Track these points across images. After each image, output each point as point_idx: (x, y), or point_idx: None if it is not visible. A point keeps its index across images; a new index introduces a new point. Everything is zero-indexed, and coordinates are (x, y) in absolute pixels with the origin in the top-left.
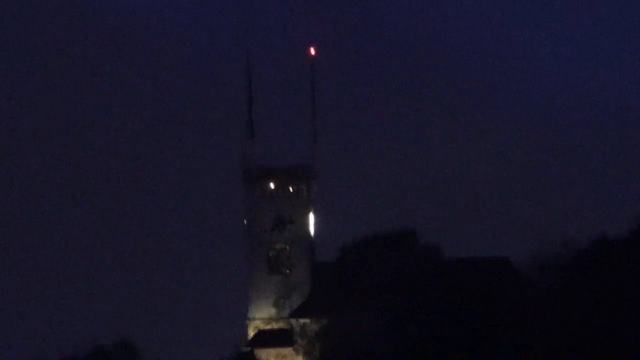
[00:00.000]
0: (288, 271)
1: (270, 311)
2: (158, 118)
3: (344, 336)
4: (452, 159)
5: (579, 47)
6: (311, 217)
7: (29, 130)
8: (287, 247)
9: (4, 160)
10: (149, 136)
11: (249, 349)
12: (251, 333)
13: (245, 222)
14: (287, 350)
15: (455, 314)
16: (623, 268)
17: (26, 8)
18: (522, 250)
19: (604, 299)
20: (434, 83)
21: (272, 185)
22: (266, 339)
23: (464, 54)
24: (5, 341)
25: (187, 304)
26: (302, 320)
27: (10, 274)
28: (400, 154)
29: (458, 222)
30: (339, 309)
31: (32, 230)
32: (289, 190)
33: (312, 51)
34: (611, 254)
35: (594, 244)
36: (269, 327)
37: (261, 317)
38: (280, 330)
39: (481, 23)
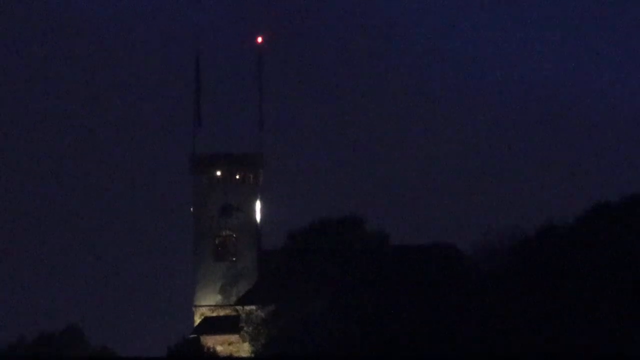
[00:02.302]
0: (234, 258)
1: (217, 298)
2: (107, 104)
3: (290, 323)
4: (400, 146)
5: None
6: (258, 205)
7: None
8: (234, 235)
9: None
10: (98, 122)
11: (195, 335)
12: (197, 320)
13: (192, 209)
14: (233, 337)
15: (402, 300)
16: (568, 254)
17: (15, 11)
18: (469, 237)
19: (549, 284)
20: (382, 70)
21: (219, 173)
22: (212, 326)
23: (414, 39)
24: None
25: (134, 292)
26: (248, 307)
27: None
28: (347, 142)
29: (405, 209)
30: (286, 296)
31: None
32: (235, 177)
33: (259, 39)
34: (557, 240)
35: (539, 230)
36: (215, 314)
37: (207, 304)
38: (227, 317)
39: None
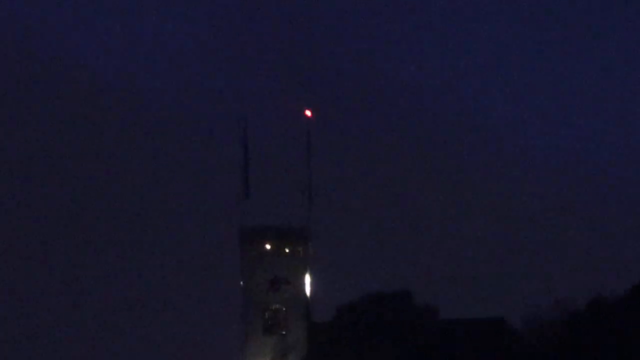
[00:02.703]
0: (284, 332)
1: None
2: (154, 179)
3: None
4: (449, 221)
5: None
6: (307, 278)
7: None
8: (283, 308)
9: None
10: (145, 195)
11: None
12: None
13: (241, 283)
14: None
15: None
16: (618, 328)
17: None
18: (517, 310)
19: (601, 358)
20: (433, 142)
21: (268, 246)
22: None
23: (470, 112)
24: None
25: None
26: None
27: None
28: (396, 214)
29: (454, 283)
30: None
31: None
32: (285, 250)
33: (308, 113)
34: (606, 314)
35: (589, 304)
36: None
37: None
38: None
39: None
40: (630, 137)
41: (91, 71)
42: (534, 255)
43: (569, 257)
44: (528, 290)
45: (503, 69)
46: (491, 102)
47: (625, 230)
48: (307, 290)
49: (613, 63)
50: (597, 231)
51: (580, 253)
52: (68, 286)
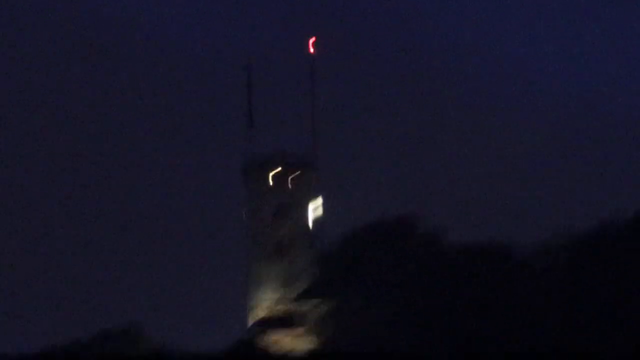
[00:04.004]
0: (290, 258)
1: (274, 297)
2: (156, 109)
3: (347, 321)
4: (457, 148)
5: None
6: (313, 205)
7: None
8: (289, 236)
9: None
10: (148, 125)
11: (254, 333)
12: (255, 318)
13: (246, 210)
14: (290, 334)
15: (459, 299)
16: (626, 253)
17: (22, 9)
18: (526, 236)
19: (610, 283)
20: (443, 73)
21: (273, 174)
22: (270, 323)
23: (470, 50)
24: (9, 330)
25: (191, 292)
26: (304, 307)
27: (11, 263)
28: (403, 141)
29: (460, 209)
30: (343, 294)
31: (35, 219)
32: (290, 178)
33: (312, 41)
34: (614, 239)
35: (596, 229)
36: (272, 312)
37: (265, 302)
38: (284, 314)
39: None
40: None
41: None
42: (541, 181)
43: (577, 182)
44: (535, 216)
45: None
46: (500, 36)
47: (632, 156)
48: (313, 217)
49: None
50: (604, 158)
51: (588, 177)
52: (90, 220)
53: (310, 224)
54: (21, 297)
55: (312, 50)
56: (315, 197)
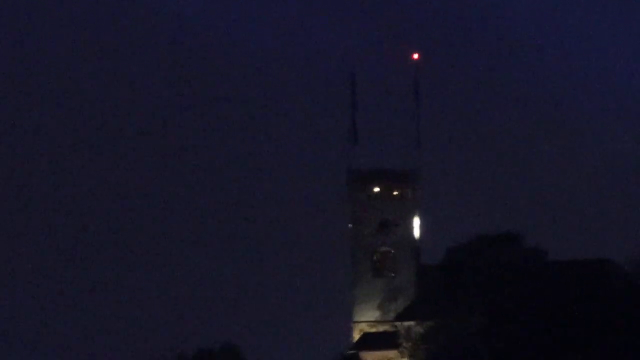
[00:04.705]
0: (393, 274)
1: (375, 314)
2: (264, 120)
3: (448, 338)
4: (557, 162)
5: None
6: (416, 221)
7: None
8: (392, 251)
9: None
10: (253, 139)
11: (354, 351)
12: (356, 336)
13: (349, 225)
14: (392, 353)
15: (560, 318)
16: None
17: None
18: (628, 252)
19: None
20: (542, 88)
21: (376, 189)
22: (371, 341)
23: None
24: (114, 346)
25: (291, 308)
26: (407, 323)
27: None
28: (504, 157)
29: (563, 225)
30: (444, 311)
31: (119, 236)
32: (393, 193)
33: (416, 55)
34: None
35: None
36: (374, 330)
37: (366, 320)
38: (385, 332)
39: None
40: None
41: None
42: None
43: None
44: (634, 231)
45: None
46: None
47: None
48: (416, 232)
49: None
50: None
51: None
52: (187, 236)
53: (416, 239)
54: (125, 313)
55: (416, 57)
56: (419, 212)
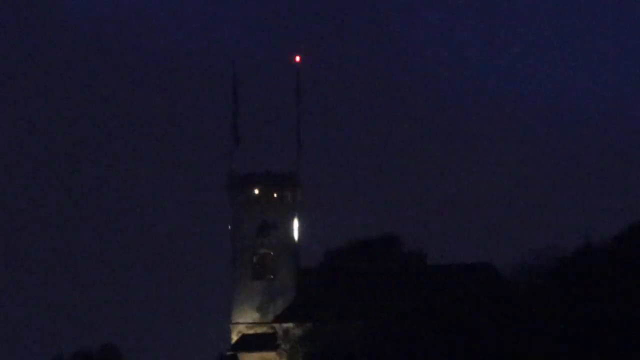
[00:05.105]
0: (272, 276)
1: (254, 316)
2: (143, 123)
3: (327, 341)
4: (437, 166)
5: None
6: (295, 223)
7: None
8: (272, 253)
9: None
10: (134, 140)
11: (233, 353)
12: (235, 338)
13: (229, 227)
14: (270, 355)
15: (439, 320)
16: (606, 275)
17: (14, 17)
18: (506, 257)
19: (587, 305)
20: (419, 89)
21: (256, 191)
22: (250, 343)
23: (448, 58)
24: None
25: (170, 309)
26: (285, 325)
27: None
28: (384, 161)
29: (442, 229)
30: (323, 314)
31: (15, 235)
32: (273, 196)
33: (298, 58)
34: (594, 261)
35: (577, 251)
36: (252, 331)
37: (245, 321)
38: (264, 334)
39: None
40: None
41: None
42: (522, 202)
43: (558, 205)
44: (516, 237)
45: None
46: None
47: (613, 179)
48: (296, 235)
49: None
50: (585, 179)
51: (569, 200)
52: (70, 238)
53: (295, 241)
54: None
55: (298, 60)
56: (299, 215)
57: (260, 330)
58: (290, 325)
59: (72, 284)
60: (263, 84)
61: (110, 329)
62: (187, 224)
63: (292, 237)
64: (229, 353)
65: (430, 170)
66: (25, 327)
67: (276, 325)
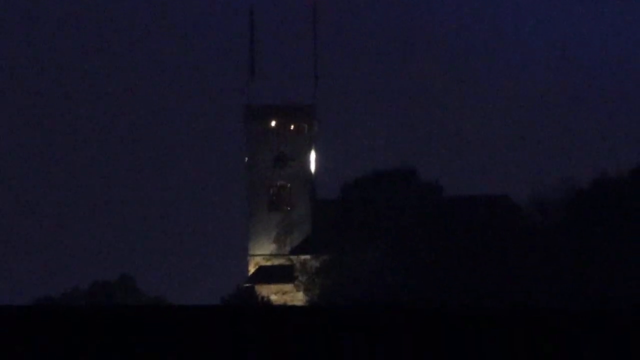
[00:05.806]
0: (289, 208)
1: (271, 248)
2: (160, 56)
3: (344, 273)
4: (454, 98)
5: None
6: (312, 155)
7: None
8: (288, 185)
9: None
10: (152, 71)
11: (250, 285)
12: (252, 269)
13: (246, 159)
14: (287, 287)
15: (455, 251)
16: (622, 206)
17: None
18: (522, 188)
19: (603, 237)
20: (438, 23)
21: (273, 123)
22: (267, 275)
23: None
24: (6, 283)
25: (188, 241)
26: (302, 257)
27: (7, 216)
28: (402, 93)
29: (459, 161)
30: (340, 246)
31: (32, 172)
32: (290, 128)
33: None
34: (610, 192)
35: (593, 183)
36: (269, 263)
37: (262, 253)
38: (281, 266)
39: None
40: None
41: None
42: (540, 135)
43: (575, 137)
44: (533, 169)
45: None
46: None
47: (629, 112)
48: (312, 167)
49: None
50: (602, 112)
51: (586, 133)
52: (87, 172)
53: (312, 174)
54: (17, 254)
55: None
56: (315, 147)
57: (277, 262)
58: (307, 257)
59: (94, 219)
60: (280, 15)
61: (127, 263)
62: (203, 156)
63: (309, 169)
64: (246, 285)
65: (447, 103)
66: (43, 259)
67: (293, 257)
